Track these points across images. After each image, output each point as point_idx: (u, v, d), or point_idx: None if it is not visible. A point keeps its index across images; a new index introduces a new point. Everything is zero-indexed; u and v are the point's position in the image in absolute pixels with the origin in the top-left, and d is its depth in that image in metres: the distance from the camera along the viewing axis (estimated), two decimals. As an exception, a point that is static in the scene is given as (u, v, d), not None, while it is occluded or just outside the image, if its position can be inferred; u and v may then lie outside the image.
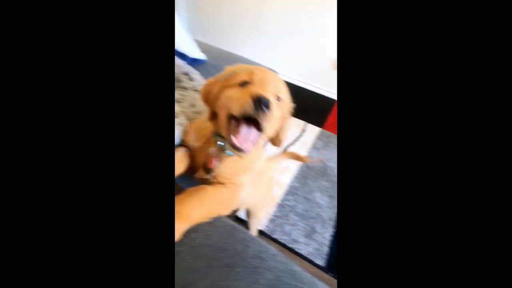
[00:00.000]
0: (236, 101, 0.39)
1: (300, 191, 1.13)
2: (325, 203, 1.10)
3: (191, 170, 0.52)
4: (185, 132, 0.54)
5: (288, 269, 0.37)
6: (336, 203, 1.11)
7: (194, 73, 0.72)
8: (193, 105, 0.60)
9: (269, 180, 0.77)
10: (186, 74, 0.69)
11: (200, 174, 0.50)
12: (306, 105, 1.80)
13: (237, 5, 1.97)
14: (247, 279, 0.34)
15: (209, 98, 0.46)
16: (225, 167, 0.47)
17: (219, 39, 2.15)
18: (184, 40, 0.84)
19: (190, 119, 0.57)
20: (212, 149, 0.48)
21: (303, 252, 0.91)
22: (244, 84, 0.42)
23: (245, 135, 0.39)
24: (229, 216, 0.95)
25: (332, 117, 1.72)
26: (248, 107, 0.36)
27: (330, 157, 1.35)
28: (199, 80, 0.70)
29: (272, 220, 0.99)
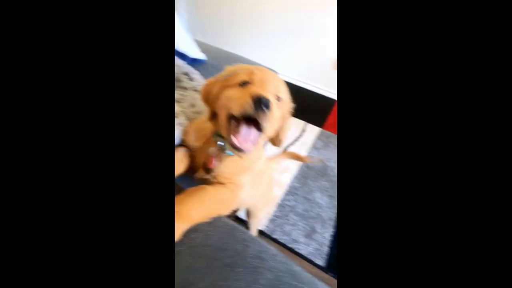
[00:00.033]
0: (236, 101, 0.39)
1: (300, 191, 1.13)
2: (325, 203, 1.10)
3: (191, 170, 0.52)
4: (185, 132, 0.54)
5: (288, 269, 0.37)
6: (336, 203, 1.11)
7: (194, 73, 0.72)
8: (193, 105, 0.60)
9: (269, 180, 0.77)
10: (186, 74, 0.69)
11: (200, 174, 0.50)
12: (306, 105, 1.80)
13: (237, 5, 1.97)
14: (247, 279, 0.34)
15: (209, 98, 0.46)
16: (225, 167, 0.47)
17: (219, 39, 2.15)
18: (184, 40, 0.84)
19: (190, 119, 0.57)
20: (212, 149, 0.48)
21: (303, 252, 0.91)
22: (244, 84, 0.42)
23: (245, 135, 0.39)
24: (229, 216, 0.95)
25: (332, 117, 1.72)
26: (248, 107, 0.36)
27: (330, 157, 1.35)
28: (199, 80, 0.70)
29: (272, 220, 0.99)
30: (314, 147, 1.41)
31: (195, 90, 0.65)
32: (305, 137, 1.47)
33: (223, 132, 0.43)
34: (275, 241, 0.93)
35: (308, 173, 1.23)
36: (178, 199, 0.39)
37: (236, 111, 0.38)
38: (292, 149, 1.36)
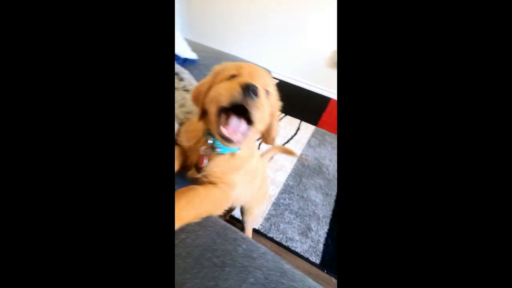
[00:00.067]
0: (225, 91, 0.39)
1: (295, 189, 1.13)
2: (320, 200, 1.10)
3: (184, 169, 0.52)
4: (177, 132, 0.54)
5: (278, 267, 0.37)
6: (330, 200, 1.11)
7: (185, 72, 0.71)
8: (182, 105, 0.60)
9: (262, 176, 0.76)
10: (176, 74, 0.69)
11: (192, 174, 0.50)
12: (301, 103, 1.80)
13: (230, 3, 1.96)
14: (236, 278, 0.34)
15: (199, 97, 0.46)
16: (216, 166, 0.47)
17: (211, 38, 2.14)
18: (176, 40, 0.83)
19: (180, 119, 0.57)
20: (203, 148, 0.47)
21: (298, 250, 0.91)
22: (232, 77, 0.42)
23: (235, 126, 0.39)
24: (222, 216, 0.95)
25: (327, 115, 1.73)
26: (237, 94, 0.36)
27: (325, 155, 1.36)
28: (189, 79, 0.70)
29: (267, 219, 0.99)
30: (309, 145, 1.41)
31: (185, 90, 0.65)
32: (300, 135, 1.48)
33: (213, 127, 0.42)
34: (271, 239, 0.93)
35: (303, 171, 1.23)
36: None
37: (225, 100, 0.38)
38: (287, 147, 1.36)
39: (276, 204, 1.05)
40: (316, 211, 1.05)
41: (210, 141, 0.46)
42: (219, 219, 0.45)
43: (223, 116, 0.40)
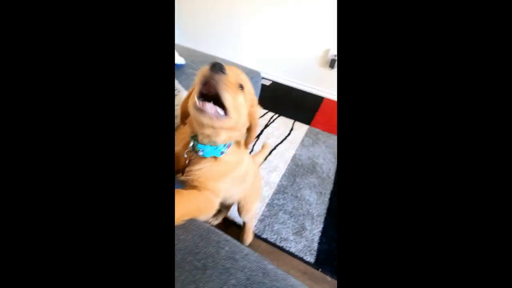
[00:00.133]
0: (198, 78, 0.41)
1: (289, 189, 1.13)
2: (314, 199, 1.10)
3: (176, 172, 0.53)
4: None
5: (261, 268, 0.38)
6: (324, 199, 1.11)
7: (171, 78, 0.72)
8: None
9: (254, 172, 0.76)
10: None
11: (179, 177, 0.51)
12: (294, 103, 1.81)
13: (217, 5, 1.97)
14: (217, 280, 0.34)
15: (185, 106, 0.48)
16: (198, 170, 0.47)
17: (198, 41, 2.15)
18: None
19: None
20: (187, 151, 0.48)
21: (292, 250, 0.91)
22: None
23: (210, 107, 0.41)
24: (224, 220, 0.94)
25: (320, 114, 1.73)
26: (205, 71, 0.40)
27: (319, 154, 1.36)
28: (175, 85, 0.70)
29: (261, 220, 0.99)
30: (303, 144, 1.42)
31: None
32: (293, 135, 1.48)
33: (190, 109, 0.43)
34: (265, 240, 0.93)
35: (296, 171, 1.23)
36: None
37: (197, 81, 0.40)
38: (281, 148, 1.37)
39: (270, 205, 1.05)
40: (310, 210, 1.06)
41: (191, 143, 0.47)
42: (204, 223, 0.45)
43: (200, 101, 0.41)
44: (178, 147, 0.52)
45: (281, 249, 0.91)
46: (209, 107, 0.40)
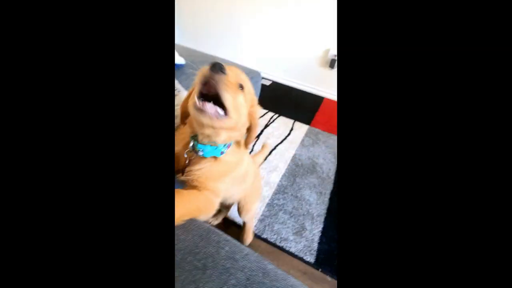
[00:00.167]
0: (198, 78, 0.41)
1: (289, 189, 1.13)
2: (314, 199, 1.10)
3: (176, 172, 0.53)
4: None
5: (261, 268, 0.38)
6: (324, 199, 1.11)
7: (171, 78, 0.72)
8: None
9: (254, 172, 0.76)
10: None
11: (179, 177, 0.51)
12: (294, 103, 1.81)
13: (218, 6, 1.97)
14: (217, 281, 0.34)
15: (185, 106, 0.47)
16: (198, 170, 0.47)
17: (198, 42, 2.15)
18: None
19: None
20: (187, 151, 0.48)
21: (292, 250, 0.91)
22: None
23: (209, 107, 0.40)
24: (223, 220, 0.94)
25: (320, 114, 1.73)
26: (205, 71, 0.39)
27: (319, 154, 1.36)
28: (175, 85, 0.70)
29: (261, 220, 0.99)
30: (303, 144, 1.42)
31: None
32: (293, 135, 1.48)
33: (191, 109, 0.43)
34: (265, 240, 0.93)
35: (296, 171, 1.23)
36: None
37: (197, 81, 0.40)
38: (281, 148, 1.37)
39: (270, 205, 1.05)
40: (310, 210, 1.06)
41: (191, 143, 0.47)
42: (204, 223, 0.45)
43: (200, 101, 0.41)
44: (178, 147, 0.52)
45: (281, 249, 0.91)
46: (209, 107, 0.40)
